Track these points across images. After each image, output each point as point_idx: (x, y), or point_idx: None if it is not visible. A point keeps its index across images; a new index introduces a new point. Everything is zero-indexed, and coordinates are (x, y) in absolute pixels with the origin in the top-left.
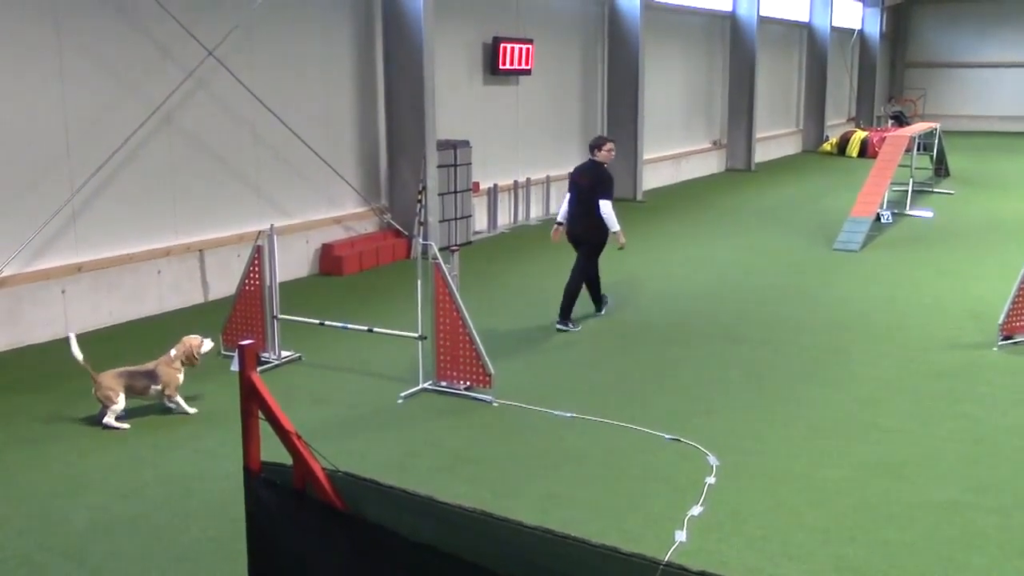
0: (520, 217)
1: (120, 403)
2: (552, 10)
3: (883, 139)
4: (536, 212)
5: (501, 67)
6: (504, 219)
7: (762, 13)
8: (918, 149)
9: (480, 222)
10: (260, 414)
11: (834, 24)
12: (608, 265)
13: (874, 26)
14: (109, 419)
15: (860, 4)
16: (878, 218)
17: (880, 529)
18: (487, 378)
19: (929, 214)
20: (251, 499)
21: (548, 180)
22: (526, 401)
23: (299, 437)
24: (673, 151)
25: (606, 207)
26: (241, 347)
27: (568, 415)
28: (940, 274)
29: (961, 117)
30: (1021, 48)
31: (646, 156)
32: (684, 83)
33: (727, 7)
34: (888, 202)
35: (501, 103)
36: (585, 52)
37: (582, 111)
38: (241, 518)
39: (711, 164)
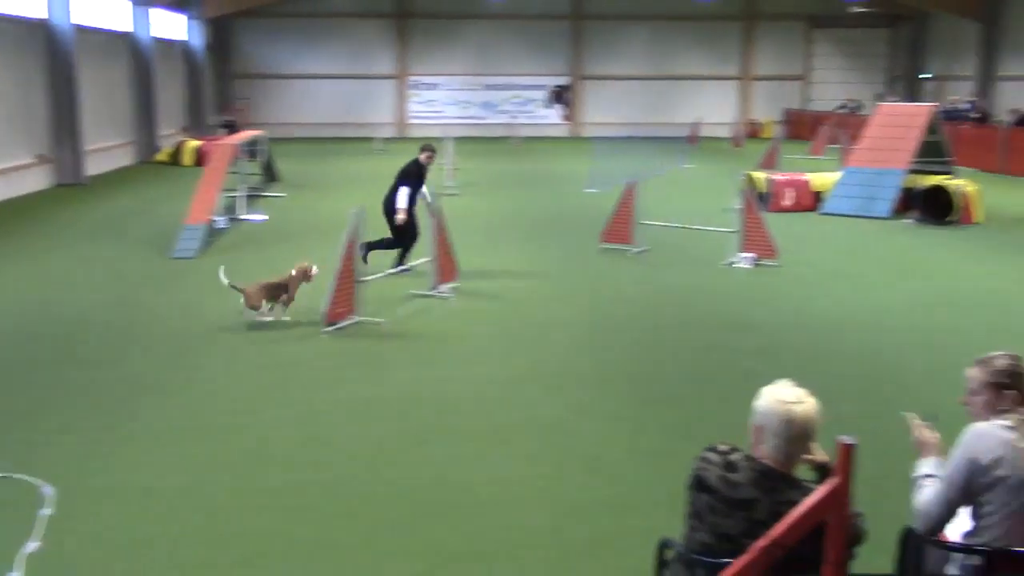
0: None
1: (264, 308)
2: None
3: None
4: None
5: None
6: None
7: (80, 22)
8: (248, 156)
9: None
10: None
11: (157, 35)
12: None
13: (198, 38)
14: (262, 317)
15: (185, 16)
16: (213, 224)
17: (218, 525)
18: None
19: (263, 217)
20: None
21: None
22: None
23: None
24: None
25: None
26: None
27: None
28: (272, 272)
29: (287, 124)
30: (332, 62)
31: None
32: None
33: (43, 15)
34: (223, 208)
35: None
36: None
37: None
38: None
39: (39, 180)
